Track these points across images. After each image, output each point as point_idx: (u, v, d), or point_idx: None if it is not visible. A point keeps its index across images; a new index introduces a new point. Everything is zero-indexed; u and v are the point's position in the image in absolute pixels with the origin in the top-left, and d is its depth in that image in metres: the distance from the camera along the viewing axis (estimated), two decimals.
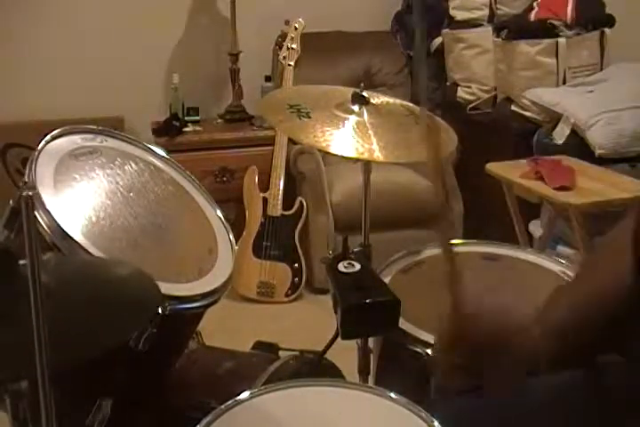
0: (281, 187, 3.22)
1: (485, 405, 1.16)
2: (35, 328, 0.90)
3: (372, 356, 1.63)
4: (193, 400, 1.53)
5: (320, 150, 1.62)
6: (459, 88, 3.54)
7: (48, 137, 1.49)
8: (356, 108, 1.57)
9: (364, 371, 1.64)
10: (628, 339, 1.02)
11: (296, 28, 3.29)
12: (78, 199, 1.44)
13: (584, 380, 1.17)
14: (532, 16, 3.30)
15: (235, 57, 3.43)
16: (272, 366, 1.62)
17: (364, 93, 1.58)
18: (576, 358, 1.02)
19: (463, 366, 1.00)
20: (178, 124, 3.35)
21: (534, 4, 3.32)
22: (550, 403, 1.14)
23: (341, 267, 1.51)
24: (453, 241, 1.89)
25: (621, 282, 0.96)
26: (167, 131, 3.32)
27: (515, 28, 3.25)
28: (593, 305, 0.99)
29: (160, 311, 1.32)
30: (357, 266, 1.51)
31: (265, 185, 3.25)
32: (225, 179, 3.32)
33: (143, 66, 3.52)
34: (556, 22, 3.21)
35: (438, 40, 3.60)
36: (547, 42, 3.19)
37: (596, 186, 2.51)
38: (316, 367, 1.68)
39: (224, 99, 3.61)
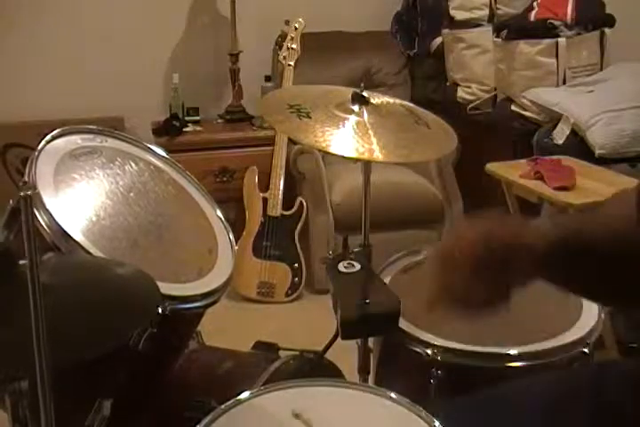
0: (281, 187, 3.22)
1: (486, 404, 1.16)
2: (34, 328, 0.90)
3: (371, 356, 1.63)
4: (193, 400, 1.53)
5: (320, 150, 1.62)
6: (459, 88, 3.54)
7: (48, 137, 1.49)
8: (356, 108, 1.56)
9: (363, 371, 1.64)
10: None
11: (296, 28, 3.29)
12: (78, 199, 1.44)
13: (583, 379, 1.17)
14: (532, 16, 3.30)
15: (235, 57, 3.43)
16: (272, 366, 1.62)
17: (364, 93, 1.58)
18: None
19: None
20: (178, 124, 3.35)
21: (534, 4, 3.32)
22: (549, 402, 1.14)
23: (341, 267, 1.51)
24: None
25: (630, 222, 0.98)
26: (167, 131, 3.32)
27: (515, 28, 3.25)
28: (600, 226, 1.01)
29: (160, 311, 1.32)
30: (357, 266, 1.51)
31: (265, 185, 3.24)
32: (225, 179, 3.32)
33: (143, 66, 3.52)
34: (556, 22, 3.21)
35: (438, 40, 3.60)
36: (547, 42, 3.19)
37: (596, 186, 2.51)
38: (316, 367, 1.68)
39: (224, 99, 3.61)
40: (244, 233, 3.20)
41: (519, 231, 1.01)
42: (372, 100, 1.60)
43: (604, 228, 1.00)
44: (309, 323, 2.83)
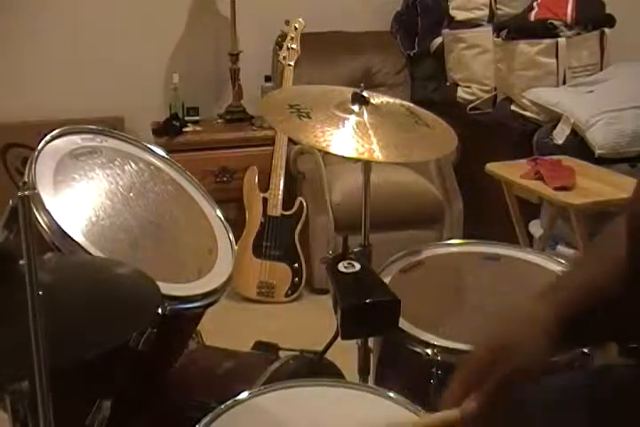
0: (281, 187, 3.22)
1: None
2: (32, 328, 0.90)
3: (371, 356, 1.63)
4: (193, 400, 1.53)
5: (320, 150, 1.62)
6: (459, 88, 3.54)
7: (48, 137, 1.49)
8: (356, 108, 1.57)
9: (364, 371, 1.64)
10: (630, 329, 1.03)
11: (296, 28, 3.29)
12: (78, 199, 1.44)
13: (582, 379, 1.17)
14: (532, 16, 3.30)
15: (235, 57, 3.43)
16: (272, 366, 1.62)
17: (364, 93, 1.58)
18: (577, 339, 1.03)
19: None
20: (178, 124, 3.35)
21: (534, 4, 3.31)
22: (548, 402, 1.14)
23: (341, 267, 1.50)
24: (454, 241, 1.89)
25: (618, 267, 0.99)
26: (167, 131, 3.32)
27: (515, 28, 3.25)
28: (590, 288, 1.01)
29: (160, 311, 1.32)
30: (357, 266, 1.51)
31: (265, 185, 3.25)
32: (225, 179, 3.32)
33: (143, 66, 3.52)
34: (556, 22, 3.21)
35: (438, 40, 3.60)
36: (547, 42, 3.19)
37: (596, 186, 2.51)
38: (316, 367, 1.68)
39: (224, 99, 3.61)
40: (244, 233, 3.20)
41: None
42: (371, 100, 1.60)
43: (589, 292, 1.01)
44: (309, 323, 2.84)
